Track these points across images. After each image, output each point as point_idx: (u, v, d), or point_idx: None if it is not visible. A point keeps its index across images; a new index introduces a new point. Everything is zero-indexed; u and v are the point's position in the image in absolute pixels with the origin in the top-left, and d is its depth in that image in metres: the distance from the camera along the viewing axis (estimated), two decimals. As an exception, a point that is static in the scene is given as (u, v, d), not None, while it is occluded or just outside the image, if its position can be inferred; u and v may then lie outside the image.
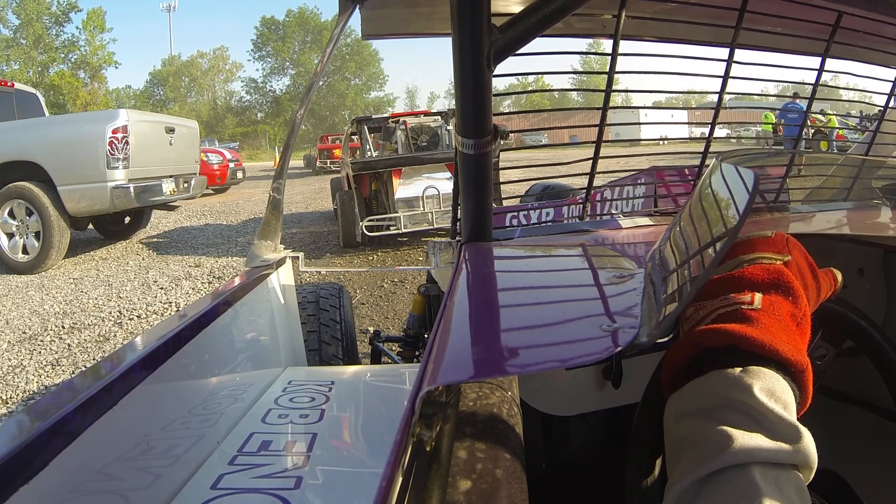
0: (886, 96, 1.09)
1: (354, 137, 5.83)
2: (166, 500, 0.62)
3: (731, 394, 0.32)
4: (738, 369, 0.33)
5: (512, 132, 0.76)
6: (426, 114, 5.91)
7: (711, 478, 0.29)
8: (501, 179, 3.46)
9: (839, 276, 0.48)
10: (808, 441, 0.30)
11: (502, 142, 0.70)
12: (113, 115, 4.37)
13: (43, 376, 2.52)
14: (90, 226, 5.52)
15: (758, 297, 0.37)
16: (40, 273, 4.44)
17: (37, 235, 4.40)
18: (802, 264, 0.44)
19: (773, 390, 0.32)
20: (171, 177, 5.02)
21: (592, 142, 0.94)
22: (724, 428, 0.30)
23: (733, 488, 0.28)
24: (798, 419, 0.32)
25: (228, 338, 0.87)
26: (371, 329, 1.94)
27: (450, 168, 4.49)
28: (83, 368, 2.38)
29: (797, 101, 6.62)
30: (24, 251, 4.46)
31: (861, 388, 0.75)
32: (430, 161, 4.64)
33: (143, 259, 4.96)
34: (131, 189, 4.35)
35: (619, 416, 0.79)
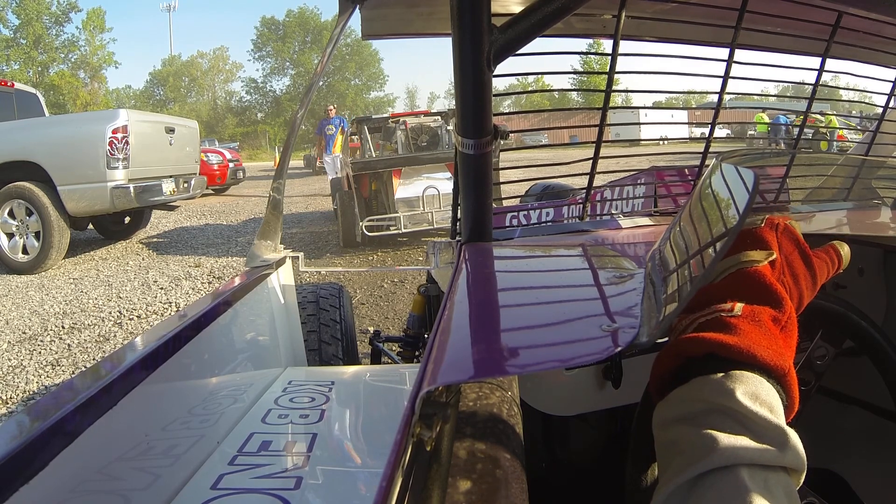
0: (886, 96, 1.09)
1: (354, 137, 5.84)
2: (166, 500, 0.62)
3: (714, 399, 0.32)
4: (720, 374, 0.33)
5: (512, 132, 0.76)
6: (426, 114, 5.93)
7: (699, 480, 0.29)
8: (501, 179, 3.46)
9: (844, 249, 0.47)
10: (796, 443, 0.30)
11: (502, 142, 0.70)
12: (113, 115, 4.37)
13: (43, 376, 2.52)
14: (90, 226, 5.52)
15: (738, 304, 0.37)
16: (40, 273, 4.43)
17: (37, 235, 4.39)
18: (792, 255, 0.43)
19: (756, 394, 0.31)
20: (171, 177, 5.01)
21: (592, 142, 0.94)
22: (710, 431, 0.30)
23: (721, 490, 0.28)
24: (794, 421, 0.32)
25: (228, 338, 0.87)
26: (371, 329, 1.95)
27: (450, 168, 4.50)
28: (83, 368, 2.38)
29: (784, 115, 6.84)
30: (24, 251, 4.45)
31: (861, 388, 0.75)
32: (430, 161, 4.65)
33: (143, 259, 4.95)
34: (131, 189, 4.35)
35: (619, 416, 0.79)
